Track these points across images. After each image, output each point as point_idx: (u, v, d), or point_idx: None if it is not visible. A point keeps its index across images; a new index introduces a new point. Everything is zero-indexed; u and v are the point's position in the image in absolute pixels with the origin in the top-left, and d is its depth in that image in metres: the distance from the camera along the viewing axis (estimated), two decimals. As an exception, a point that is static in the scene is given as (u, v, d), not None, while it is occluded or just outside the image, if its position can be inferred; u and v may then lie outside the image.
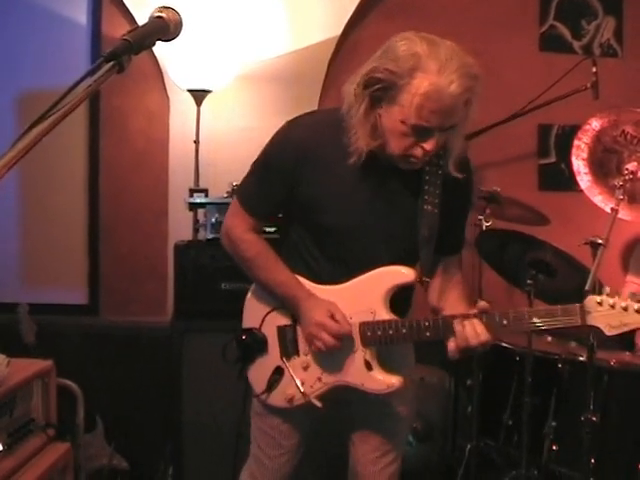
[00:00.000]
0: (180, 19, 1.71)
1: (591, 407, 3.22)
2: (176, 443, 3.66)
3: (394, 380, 2.27)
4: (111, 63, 1.46)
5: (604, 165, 3.56)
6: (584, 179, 3.61)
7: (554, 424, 3.50)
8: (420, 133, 2.06)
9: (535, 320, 2.11)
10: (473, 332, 2.12)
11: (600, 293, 2.11)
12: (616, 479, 3.36)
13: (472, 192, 2.46)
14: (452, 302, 2.36)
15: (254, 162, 2.43)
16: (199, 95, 3.98)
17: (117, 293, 4.34)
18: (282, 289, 2.35)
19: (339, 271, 2.31)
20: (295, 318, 2.36)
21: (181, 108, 4.16)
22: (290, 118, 4.17)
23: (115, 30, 4.21)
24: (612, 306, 2.05)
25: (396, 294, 2.28)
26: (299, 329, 2.36)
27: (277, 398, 2.41)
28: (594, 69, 3.79)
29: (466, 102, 2.04)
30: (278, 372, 2.39)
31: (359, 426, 2.51)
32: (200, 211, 3.91)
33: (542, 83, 4.05)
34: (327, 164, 2.24)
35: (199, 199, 3.75)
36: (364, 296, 2.28)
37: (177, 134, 4.23)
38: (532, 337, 3.52)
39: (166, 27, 1.66)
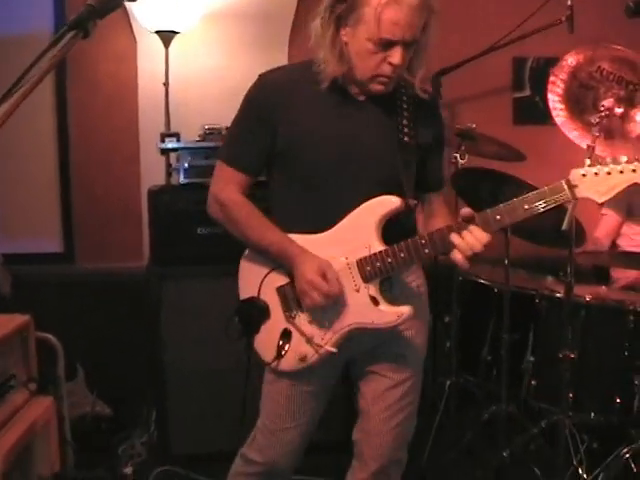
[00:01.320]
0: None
1: (569, 344, 3.28)
2: (158, 388, 3.67)
3: (403, 309, 2.25)
4: (75, 31, 1.41)
5: (580, 101, 3.53)
6: (560, 115, 3.59)
7: (532, 359, 3.55)
8: (385, 47, 2.16)
9: (527, 206, 2.12)
10: (473, 239, 2.13)
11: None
12: (594, 413, 3.43)
13: (443, 127, 2.49)
14: (442, 222, 2.35)
15: (232, 121, 2.43)
16: (167, 36, 3.90)
17: (92, 240, 4.29)
18: (275, 247, 2.32)
19: (328, 213, 2.30)
20: (292, 275, 2.34)
21: (149, 50, 4.07)
22: (260, 56, 4.17)
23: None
24: (596, 174, 2.07)
25: (388, 225, 2.27)
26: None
27: (289, 361, 2.37)
28: (569, 2, 3.73)
29: (425, 18, 2.17)
30: (286, 335, 2.36)
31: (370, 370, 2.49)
32: (172, 154, 3.86)
33: (517, 15, 4.00)
34: (303, 104, 2.30)
35: (171, 144, 3.69)
36: (356, 233, 2.28)
37: (146, 76, 4.14)
38: (509, 272, 3.55)
39: (129, -12, 1.61)
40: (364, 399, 2.50)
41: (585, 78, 3.53)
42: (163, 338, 3.63)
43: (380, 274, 2.26)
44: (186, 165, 3.63)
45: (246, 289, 2.45)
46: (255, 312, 2.40)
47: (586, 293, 3.49)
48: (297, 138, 2.29)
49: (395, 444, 2.51)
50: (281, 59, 4.18)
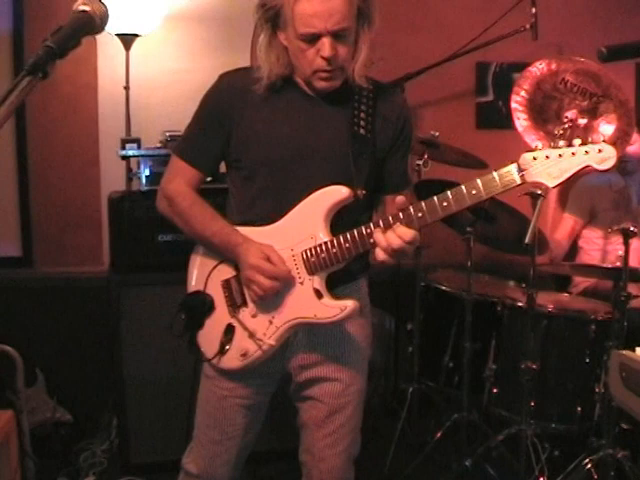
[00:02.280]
0: (106, 10, 1.61)
1: (530, 354, 3.29)
2: (119, 394, 3.63)
3: (347, 302, 2.20)
4: (33, 76, 1.37)
5: (543, 111, 3.53)
6: (522, 124, 3.58)
7: (494, 367, 3.57)
8: (312, 42, 2.15)
9: (474, 192, 2.02)
10: (394, 236, 2.06)
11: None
12: (556, 422, 3.46)
13: (408, 124, 2.41)
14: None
15: (191, 119, 2.43)
16: (128, 39, 3.83)
17: (51, 244, 4.20)
18: (218, 238, 2.30)
19: (279, 207, 2.27)
20: (237, 267, 2.31)
21: (109, 52, 3.98)
22: (222, 58, 4.11)
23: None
24: (547, 157, 1.97)
25: (338, 218, 2.23)
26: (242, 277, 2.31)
27: (231, 358, 2.33)
28: (533, 10, 3.73)
29: (353, 4, 2.14)
30: (229, 331, 2.32)
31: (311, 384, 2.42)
32: (133, 159, 3.80)
33: (480, 21, 4.01)
34: (257, 103, 2.29)
35: (132, 151, 3.62)
36: (303, 224, 2.24)
37: (106, 79, 4.07)
38: (471, 276, 3.56)
39: (91, 22, 1.57)
40: (305, 425, 2.46)
41: (549, 89, 3.53)
42: (123, 346, 3.57)
43: (325, 266, 2.20)
44: (147, 173, 3.58)
45: (192, 284, 2.44)
46: (199, 306, 2.37)
47: (548, 301, 3.53)
48: (250, 136, 2.29)
49: (343, 466, 2.46)
50: (243, 61, 4.02)
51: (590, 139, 1.98)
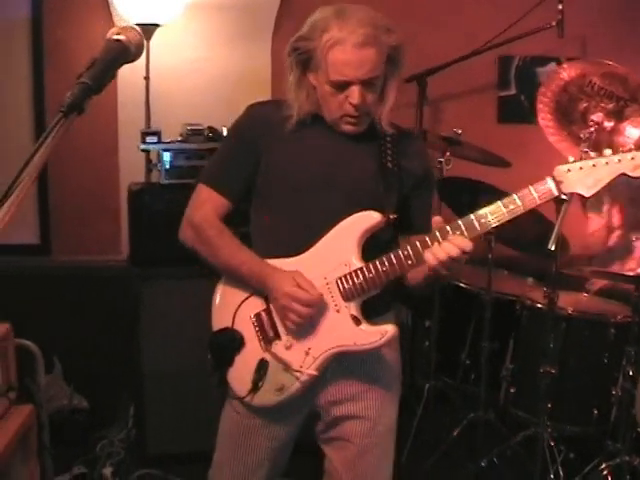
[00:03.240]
0: (141, 38, 1.57)
1: (549, 358, 3.29)
2: (137, 385, 3.66)
3: (387, 327, 2.17)
4: (70, 115, 1.34)
5: (569, 113, 3.50)
6: (547, 125, 3.56)
7: (511, 367, 3.57)
8: (342, 88, 2.17)
9: (512, 207, 2.05)
10: (451, 245, 2.04)
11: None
12: (572, 425, 3.47)
13: (428, 164, 2.43)
14: None
15: (218, 148, 2.48)
16: (148, 29, 3.79)
17: (69, 232, 4.22)
18: (247, 267, 2.26)
19: (305, 237, 2.24)
20: (268, 300, 2.27)
21: (129, 41, 3.96)
22: (243, 48, 4.09)
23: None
24: (581, 168, 2.01)
25: (369, 244, 2.21)
26: (273, 309, 2.27)
27: (266, 394, 2.28)
28: (560, 6, 3.68)
29: (383, 53, 2.15)
30: (262, 367, 2.27)
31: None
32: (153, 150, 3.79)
33: (504, 13, 3.97)
34: (286, 135, 2.28)
35: (152, 145, 3.61)
36: (335, 252, 2.21)
37: (125, 69, 3.95)
38: (491, 272, 3.55)
39: (126, 51, 1.52)
40: (333, 466, 2.42)
41: (576, 92, 3.50)
42: (141, 338, 3.60)
43: (362, 291, 2.17)
44: (167, 166, 3.57)
45: (219, 321, 2.37)
46: (228, 343, 2.31)
47: (567, 303, 3.51)
48: (279, 165, 2.28)
49: None
50: (264, 51, 4.12)
51: (620, 148, 2.00)
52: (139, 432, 3.72)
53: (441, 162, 3.64)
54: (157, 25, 3.82)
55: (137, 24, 3.71)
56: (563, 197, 3.00)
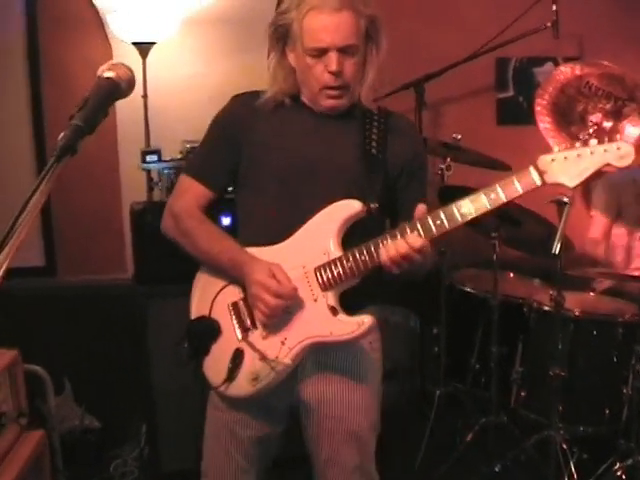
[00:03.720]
0: (132, 74, 1.58)
1: (558, 360, 3.29)
2: (148, 403, 3.65)
3: (364, 317, 2.15)
4: (64, 157, 1.35)
5: (567, 114, 3.50)
6: (545, 127, 3.56)
7: (521, 369, 3.57)
8: (319, 56, 2.18)
9: (493, 196, 2.02)
10: (393, 246, 2.05)
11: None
12: (584, 425, 3.46)
13: (420, 151, 2.43)
14: None
15: (201, 141, 2.47)
16: (144, 48, 3.79)
17: (73, 252, 4.21)
18: (225, 256, 2.26)
19: (289, 223, 2.24)
20: (245, 289, 2.25)
21: (126, 60, 3.94)
22: (239, 62, 4.09)
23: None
24: (566, 158, 1.98)
25: (349, 234, 2.21)
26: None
27: (240, 384, 2.25)
28: (554, 7, 3.68)
29: (360, 25, 2.18)
30: (238, 356, 2.24)
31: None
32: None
33: (499, 14, 3.97)
34: (267, 122, 2.31)
35: (153, 164, 3.62)
36: (315, 241, 2.20)
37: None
38: (497, 276, 3.55)
39: (117, 88, 1.53)
40: (317, 462, 2.40)
41: (574, 93, 3.50)
42: (150, 355, 3.59)
43: (340, 281, 2.16)
44: (168, 184, 3.58)
45: (197, 309, 2.39)
46: (204, 332, 2.31)
47: (574, 304, 3.50)
48: (260, 152, 2.30)
49: None
50: (261, 64, 4.05)
51: (606, 138, 1.98)
52: (152, 450, 3.70)
53: (442, 169, 3.64)
54: (153, 43, 3.81)
55: (133, 43, 3.77)
56: (565, 200, 3.02)
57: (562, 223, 2.81)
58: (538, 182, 2.00)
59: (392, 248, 2.05)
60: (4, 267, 1.23)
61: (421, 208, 2.08)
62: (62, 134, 1.39)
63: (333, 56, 2.16)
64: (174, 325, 3.53)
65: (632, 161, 1.96)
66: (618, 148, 1.97)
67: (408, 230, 2.07)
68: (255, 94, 2.39)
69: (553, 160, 1.99)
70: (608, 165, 1.98)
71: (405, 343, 4.20)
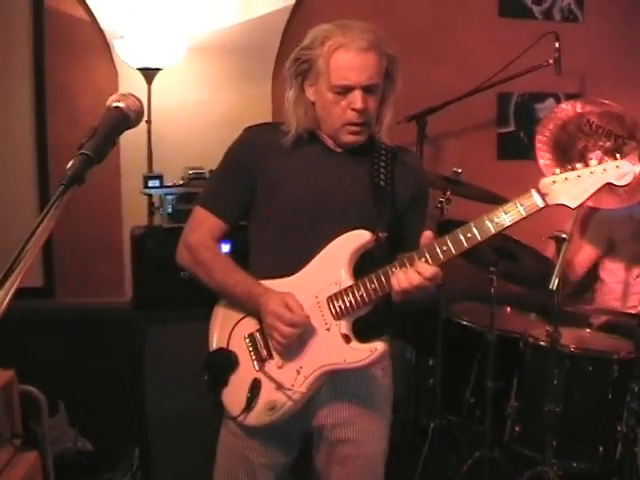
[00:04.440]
0: (141, 105, 1.60)
1: (553, 396, 3.29)
2: (142, 428, 3.64)
3: (377, 344, 2.18)
4: (71, 186, 1.37)
5: (567, 151, 3.53)
6: (545, 163, 3.59)
7: (516, 404, 3.57)
8: (344, 94, 2.24)
9: (497, 220, 2.04)
10: (403, 275, 2.09)
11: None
12: (577, 461, 3.45)
13: (424, 184, 2.48)
14: None
15: (214, 171, 2.53)
16: (150, 73, 3.82)
17: (72, 274, 4.22)
18: (240, 288, 2.30)
19: (302, 258, 2.28)
20: (261, 320, 2.30)
21: (131, 86, 3.96)
22: (244, 90, 4.12)
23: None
24: (566, 179, 2.01)
25: (364, 262, 2.25)
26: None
27: (258, 413, 2.30)
28: (557, 44, 3.72)
29: (383, 64, 2.25)
30: (256, 386, 2.30)
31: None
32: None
33: (502, 50, 4.01)
34: (281, 156, 2.35)
35: (155, 190, 3.64)
36: (327, 271, 2.25)
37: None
38: (494, 310, 3.56)
39: (126, 119, 1.55)
40: None
41: (574, 130, 3.54)
42: (145, 380, 3.59)
43: (352, 309, 2.20)
44: (170, 210, 3.60)
45: (216, 340, 2.42)
46: (222, 364, 2.35)
47: (570, 340, 3.51)
48: (274, 185, 2.34)
49: None
50: (265, 93, 4.14)
51: (606, 158, 2.02)
52: (144, 475, 3.69)
53: (442, 202, 3.66)
54: (159, 69, 3.84)
55: (139, 68, 3.79)
56: (563, 236, 3.04)
57: (560, 259, 2.83)
58: (540, 204, 2.02)
59: (403, 279, 2.09)
60: (12, 292, 1.23)
61: (428, 234, 2.13)
62: (71, 163, 1.40)
63: (358, 94, 2.22)
64: (171, 350, 3.58)
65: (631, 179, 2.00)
66: (617, 167, 2.01)
67: (416, 258, 2.10)
68: (267, 126, 2.48)
69: (554, 182, 2.02)
70: (608, 184, 2.01)
71: (400, 375, 4.18)
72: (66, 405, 4.00)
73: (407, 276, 2.08)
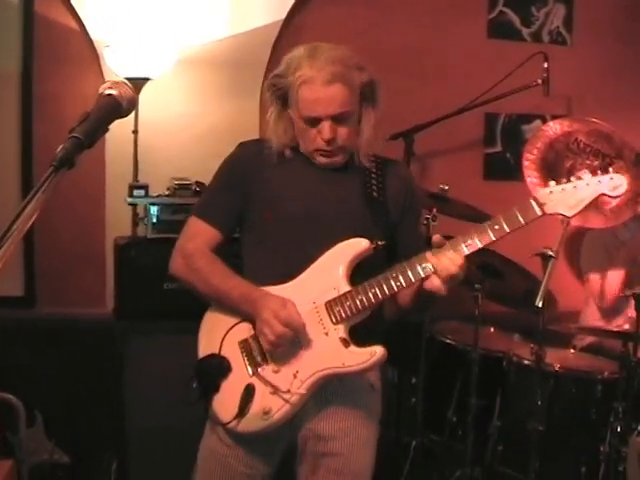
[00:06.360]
0: (133, 94, 1.59)
1: (537, 415, 3.28)
2: (120, 440, 3.61)
3: (376, 348, 2.18)
4: (61, 169, 1.35)
5: (554, 169, 3.54)
6: (533, 182, 3.59)
7: (499, 423, 3.55)
8: (313, 124, 2.28)
9: (497, 227, 2.14)
10: (448, 260, 2.13)
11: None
12: (560, 482, 3.44)
13: (414, 191, 2.51)
14: None
15: (208, 185, 2.59)
16: (138, 83, 3.79)
17: (54, 284, 4.17)
18: (237, 291, 2.30)
19: (294, 266, 2.30)
20: (255, 326, 2.28)
21: (118, 95, 3.98)
22: (232, 103, 4.12)
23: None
24: (563, 189, 2.13)
25: (360, 272, 2.26)
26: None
27: (252, 420, 2.26)
28: (545, 65, 3.74)
29: (353, 90, 2.26)
30: (249, 392, 2.26)
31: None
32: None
33: (490, 71, 4.03)
34: (273, 169, 2.40)
35: (139, 198, 3.62)
36: (325, 278, 2.27)
37: (114, 122, 4.04)
38: (478, 328, 3.54)
39: (119, 106, 1.53)
40: None
41: (562, 149, 3.56)
42: (125, 392, 3.58)
43: (351, 314, 2.21)
44: (154, 220, 3.58)
45: (206, 347, 2.39)
46: (214, 369, 2.32)
47: (554, 360, 3.50)
48: (267, 196, 2.37)
49: None
50: (253, 107, 4.13)
51: (599, 171, 2.14)
52: (122, 487, 3.66)
53: (428, 219, 3.65)
54: (147, 79, 3.83)
55: (127, 78, 3.76)
56: (550, 254, 3.03)
57: (546, 276, 2.81)
58: (539, 212, 2.12)
59: (440, 265, 2.13)
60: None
61: (437, 237, 2.19)
62: (61, 146, 1.38)
63: (326, 125, 2.26)
64: (152, 362, 3.55)
65: (624, 190, 2.13)
66: (611, 179, 2.12)
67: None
68: (260, 142, 2.49)
69: (551, 192, 2.13)
70: (603, 195, 2.13)
71: (382, 392, 4.16)
72: (44, 416, 3.93)
73: (441, 263, 2.13)
